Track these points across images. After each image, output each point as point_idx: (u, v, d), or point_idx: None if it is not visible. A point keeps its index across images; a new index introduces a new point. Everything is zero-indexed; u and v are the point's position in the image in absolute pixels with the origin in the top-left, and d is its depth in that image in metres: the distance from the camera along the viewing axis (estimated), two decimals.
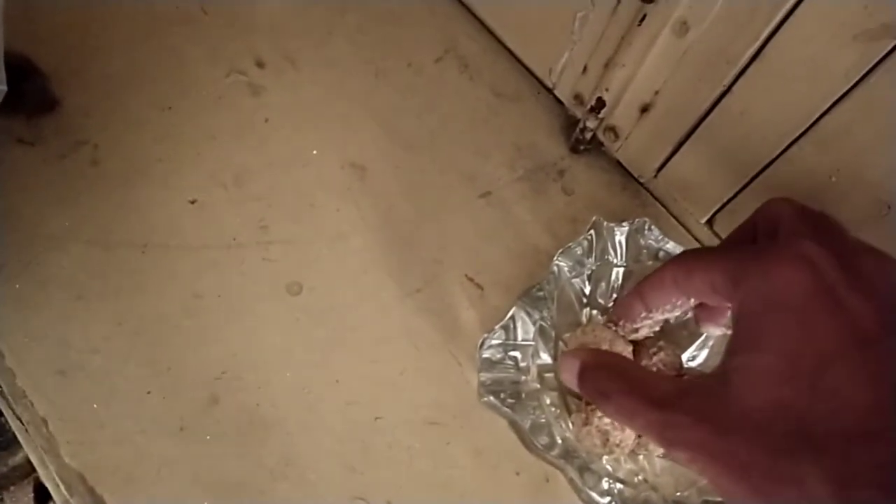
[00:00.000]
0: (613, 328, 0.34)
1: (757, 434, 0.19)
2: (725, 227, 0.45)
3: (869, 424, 0.17)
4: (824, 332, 0.19)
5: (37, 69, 0.45)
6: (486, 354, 0.37)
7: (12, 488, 0.61)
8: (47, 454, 0.35)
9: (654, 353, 0.39)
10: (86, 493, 0.34)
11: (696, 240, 0.47)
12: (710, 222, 0.46)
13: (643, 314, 0.31)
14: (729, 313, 0.31)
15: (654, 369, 0.39)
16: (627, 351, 0.34)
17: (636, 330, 0.34)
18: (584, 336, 0.33)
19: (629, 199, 0.48)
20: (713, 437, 0.20)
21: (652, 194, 0.49)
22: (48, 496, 0.68)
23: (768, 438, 0.18)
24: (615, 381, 0.24)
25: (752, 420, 0.19)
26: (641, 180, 0.48)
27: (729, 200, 0.44)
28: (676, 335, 0.41)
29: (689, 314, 0.38)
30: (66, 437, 0.35)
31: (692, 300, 0.29)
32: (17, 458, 0.59)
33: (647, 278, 0.29)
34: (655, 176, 0.47)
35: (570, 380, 0.27)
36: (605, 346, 0.33)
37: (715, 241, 0.46)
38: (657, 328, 0.34)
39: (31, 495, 0.62)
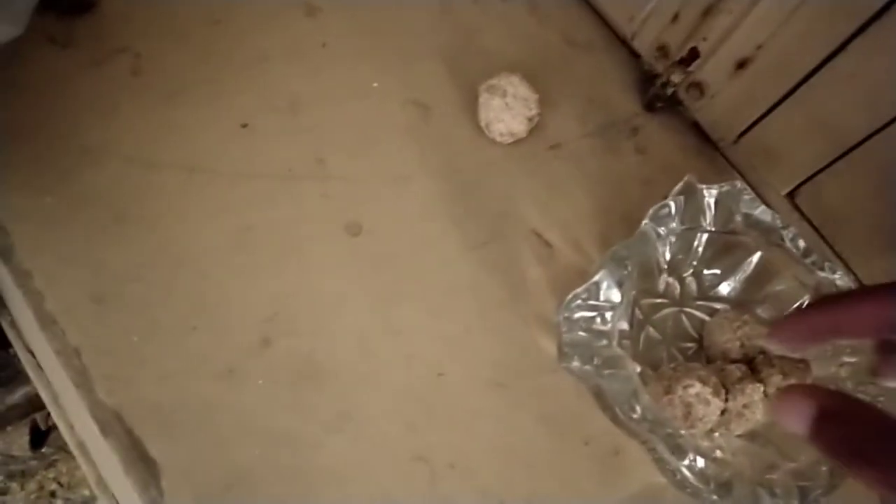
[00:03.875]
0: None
1: None
2: (808, 203, 0.43)
3: None
4: None
5: None
6: (568, 315, 0.34)
7: (9, 428, 0.57)
8: (79, 389, 0.31)
9: (739, 327, 0.37)
10: (122, 434, 0.31)
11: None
12: (791, 195, 0.43)
13: (827, 337, 0.25)
14: None
15: (738, 344, 0.37)
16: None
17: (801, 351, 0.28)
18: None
19: (705, 164, 0.45)
20: None
21: (728, 161, 0.46)
22: (44, 438, 0.64)
23: None
24: (873, 436, 0.19)
25: None
26: (720, 144, 0.45)
27: (816, 173, 0.41)
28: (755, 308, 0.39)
29: None
30: (101, 371, 0.32)
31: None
32: (14, 398, 0.55)
33: (840, 299, 0.23)
34: (736, 141, 0.44)
35: (796, 426, 0.21)
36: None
37: (795, 216, 0.43)
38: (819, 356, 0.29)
39: (27, 437, 0.58)
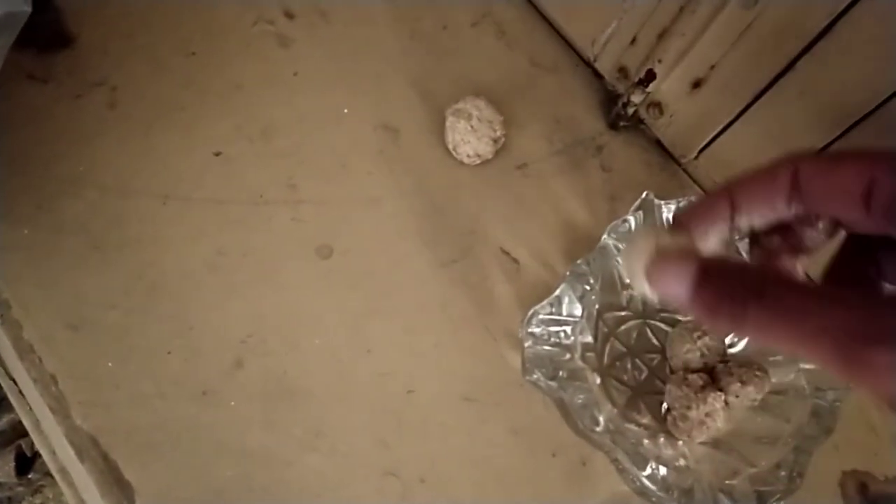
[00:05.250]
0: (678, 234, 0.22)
1: None
2: None
3: None
4: None
5: (50, 1, 0.41)
6: (531, 330, 0.35)
7: None
8: (56, 415, 0.32)
9: (699, 337, 0.38)
10: (98, 458, 0.32)
11: None
12: None
13: (724, 215, 0.21)
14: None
15: (699, 354, 0.38)
16: None
17: (703, 239, 0.23)
18: (644, 241, 0.22)
19: (667, 179, 0.47)
20: None
21: (690, 176, 0.47)
22: (30, 464, 0.64)
23: None
24: (765, 275, 0.17)
25: None
26: (682, 161, 0.47)
27: None
28: None
29: None
30: (77, 398, 0.33)
31: (797, 209, 0.20)
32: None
33: (745, 174, 0.21)
34: (697, 157, 0.45)
35: (675, 286, 0.19)
36: None
37: None
38: (722, 246, 0.23)
39: (13, 464, 0.59)
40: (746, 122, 0.41)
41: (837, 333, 0.15)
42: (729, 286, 0.18)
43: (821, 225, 0.21)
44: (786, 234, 0.22)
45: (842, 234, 0.21)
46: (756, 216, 0.21)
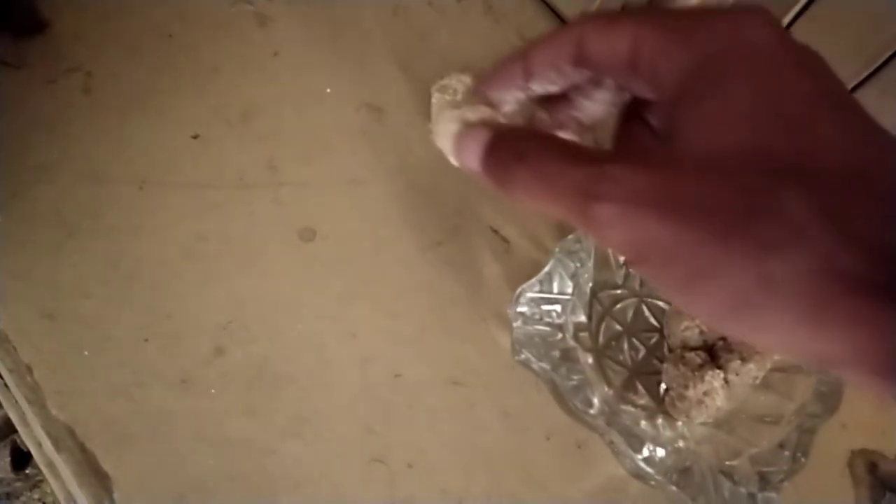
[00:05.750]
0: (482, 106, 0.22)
1: (720, 174, 0.15)
2: None
3: (857, 163, 0.15)
4: (796, 79, 0.16)
5: None
6: (521, 308, 0.33)
7: None
8: (32, 405, 0.31)
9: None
10: (75, 449, 0.31)
11: None
12: None
13: (519, 81, 0.21)
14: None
15: (697, 331, 0.36)
16: None
17: (501, 105, 0.22)
18: (449, 117, 0.22)
19: None
20: (660, 182, 0.16)
21: None
22: (27, 459, 0.64)
23: (736, 177, 0.15)
24: (533, 141, 0.18)
25: (713, 162, 0.16)
26: None
27: None
28: None
29: None
30: (53, 387, 0.32)
31: (583, 73, 0.20)
32: None
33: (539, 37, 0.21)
34: None
35: (471, 159, 0.20)
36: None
37: None
38: (518, 108, 0.23)
39: (8, 459, 0.59)
40: None
41: (574, 191, 0.16)
42: (503, 152, 0.18)
43: (607, 92, 0.20)
44: (573, 102, 0.22)
45: (626, 100, 0.20)
46: (547, 81, 0.21)
